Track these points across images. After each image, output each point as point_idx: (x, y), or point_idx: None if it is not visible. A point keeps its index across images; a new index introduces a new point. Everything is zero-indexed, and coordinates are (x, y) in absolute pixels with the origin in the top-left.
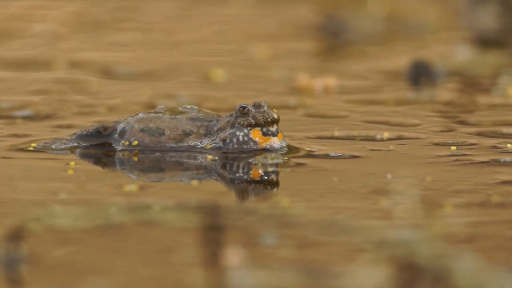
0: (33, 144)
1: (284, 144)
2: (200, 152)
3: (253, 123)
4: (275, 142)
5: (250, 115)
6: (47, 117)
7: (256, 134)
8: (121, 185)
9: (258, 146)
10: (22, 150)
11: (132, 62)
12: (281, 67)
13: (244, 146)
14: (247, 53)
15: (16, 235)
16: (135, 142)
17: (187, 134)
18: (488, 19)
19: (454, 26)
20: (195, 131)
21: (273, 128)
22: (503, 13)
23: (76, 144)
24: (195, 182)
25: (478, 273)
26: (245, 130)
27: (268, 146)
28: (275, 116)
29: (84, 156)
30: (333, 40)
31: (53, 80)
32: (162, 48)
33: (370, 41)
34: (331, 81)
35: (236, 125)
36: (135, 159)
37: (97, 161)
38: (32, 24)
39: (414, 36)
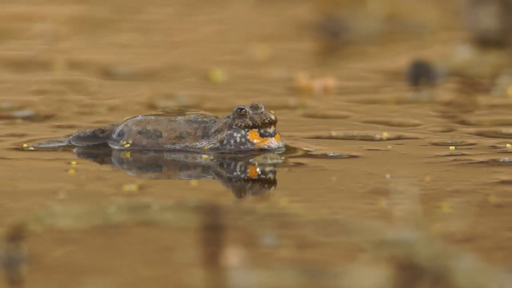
0: (25, 145)
1: (281, 145)
2: (198, 153)
3: (251, 124)
4: (273, 142)
5: (248, 116)
6: (47, 117)
7: (253, 136)
8: (121, 185)
9: (255, 147)
10: (22, 150)
11: (132, 62)
12: (280, 67)
13: (242, 147)
14: (247, 53)
15: (16, 235)
16: (127, 145)
17: (184, 136)
18: (488, 19)
19: (454, 26)
20: (192, 133)
21: (271, 130)
22: (503, 13)
23: (69, 144)
24: (194, 182)
25: (478, 273)
26: (243, 132)
27: (266, 146)
28: (273, 117)
29: (84, 156)
30: (333, 40)
31: (53, 81)
32: (162, 48)
33: (370, 41)
34: (330, 81)
35: (233, 126)
36: (128, 155)
37: (97, 161)
38: (32, 24)
39: (414, 36)
